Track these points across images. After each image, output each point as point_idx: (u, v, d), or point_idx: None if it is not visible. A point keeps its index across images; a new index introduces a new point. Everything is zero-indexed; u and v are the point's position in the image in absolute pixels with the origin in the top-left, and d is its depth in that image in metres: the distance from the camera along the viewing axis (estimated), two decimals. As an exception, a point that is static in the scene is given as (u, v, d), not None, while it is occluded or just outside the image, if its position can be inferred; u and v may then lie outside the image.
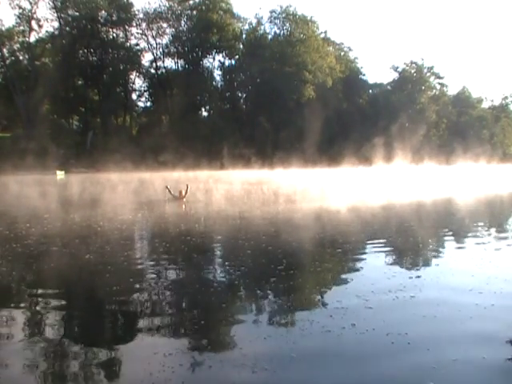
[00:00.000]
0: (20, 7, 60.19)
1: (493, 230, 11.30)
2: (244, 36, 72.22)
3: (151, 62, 71.15)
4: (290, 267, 6.97)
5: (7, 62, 62.08)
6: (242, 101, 74.96)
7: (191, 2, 68.87)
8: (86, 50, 66.58)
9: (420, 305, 5.11)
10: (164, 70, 71.32)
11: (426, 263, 7.51)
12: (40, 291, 5.99)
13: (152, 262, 7.70)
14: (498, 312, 4.86)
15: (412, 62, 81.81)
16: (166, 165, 46.55)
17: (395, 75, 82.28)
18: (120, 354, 4.04)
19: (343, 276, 6.69)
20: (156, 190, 22.90)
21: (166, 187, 18.60)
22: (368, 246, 8.96)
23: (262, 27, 73.13)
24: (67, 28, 63.98)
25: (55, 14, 62.73)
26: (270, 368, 3.66)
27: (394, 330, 4.33)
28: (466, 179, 36.47)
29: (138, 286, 6.12)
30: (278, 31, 73.02)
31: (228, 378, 3.56)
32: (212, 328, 4.65)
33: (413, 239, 9.70)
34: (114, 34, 68.11)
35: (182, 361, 3.79)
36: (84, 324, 4.91)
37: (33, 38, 63.99)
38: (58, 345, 4.18)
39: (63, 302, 5.57)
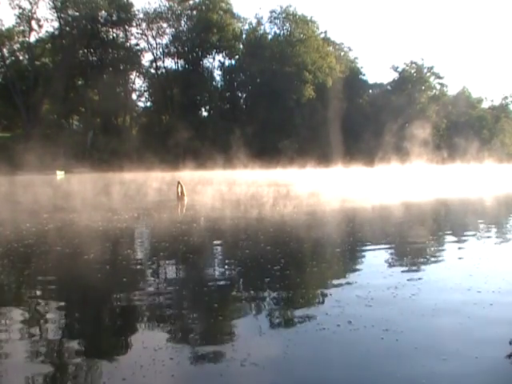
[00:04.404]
0: (20, 7, 60.08)
1: (491, 229, 11.32)
2: (244, 36, 72.16)
3: (151, 61, 71.16)
4: (288, 267, 6.98)
5: (7, 61, 61.98)
6: (242, 101, 74.92)
7: (191, 2, 68.82)
8: (86, 50, 66.49)
9: (418, 304, 5.11)
10: (164, 70, 71.25)
11: (425, 262, 7.50)
12: (40, 290, 6.01)
13: (150, 262, 7.73)
14: (497, 312, 4.86)
15: (412, 62, 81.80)
16: (166, 165, 46.55)
17: (395, 75, 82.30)
18: (112, 348, 4.16)
19: (341, 275, 6.70)
20: (155, 190, 22.91)
21: (178, 183, 18.57)
22: (367, 246, 8.97)
23: (262, 27, 73.20)
24: (67, 28, 63.85)
25: (55, 14, 62.64)
26: (260, 363, 3.68)
27: (390, 328, 4.34)
28: (466, 179, 36.46)
29: (134, 284, 6.15)
30: (278, 31, 73.12)
31: (216, 371, 3.61)
32: (205, 326, 4.68)
33: (411, 238, 9.72)
34: (114, 34, 68.07)
35: (172, 355, 3.86)
36: (81, 320, 4.96)
37: (33, 38, 63.98)
38: (55, 342, 4.23)
39: (62, 301, 5.60)
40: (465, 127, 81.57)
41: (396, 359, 3.79)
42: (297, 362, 3.74)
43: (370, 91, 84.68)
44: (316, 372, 3.58)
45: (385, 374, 3.55)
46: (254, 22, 72.84)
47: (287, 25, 72.29)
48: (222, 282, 6.35)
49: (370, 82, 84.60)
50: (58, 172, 45.89)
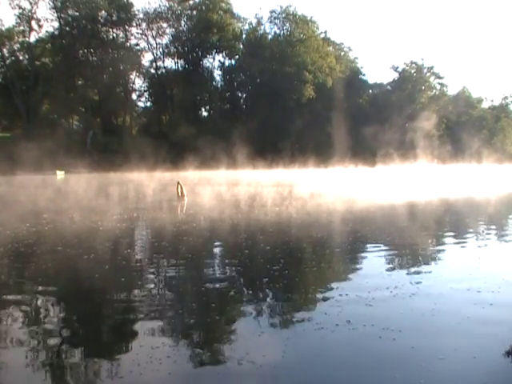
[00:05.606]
0: (20, 7, 60.04)
1: (492, 229, 11.31)
2: (244, 36, 72.16)
3: (151, 61, 71.18)
4: (287, 267, 6.98)
5: (7, 61, 61.98)
6: (242, 101, 74.93)
7: (191, 2, 68.84)
8: (86, 50, 66.48)
9: (417, 303, 5.12)
10: (164, 70, 71.24)
11: (424, 262, 7.51)
12: (40, 290, 6.01)
13: (149, 262, 7.74)
14: (497, 312, 4.86)
15: (412, 62, 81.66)
16: (167, 165, 46.55)
17: (395, 75, 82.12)
18: (110, 346, 4.20)
19: (341, 275, 6.70)
20: (155, 190, 22.91)
21: (178, 183, 18.51)
22: (366, 246, 8.98)
23: (262, 27, 73.16)
24: (67, 28, 63.87)
25: (55, 14, 62.63)
26: (257, 362, 3.69)
27: (389, 328, 4.34)
28: (466, 179, 36.44)
29: (133, 284, 6.17)
30: (278, 31, 73.08)
31: (214, 370, 3.62)
32: (203, 325, 4.68)
33: (412, 238, 9.71)
34: (114, 34, 68.10)
35: (170, 353, 3.88)
36: (79, 319, 4.97)
37: (33, 38, 63.96)
38: (53, 340, 4.25)
39: (61, 300, 5.62)
40: (465, 127, 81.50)
41: (394, 359, 3.79)
42: (295, 361, 3.75)
43: (370, 91, 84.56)
44: (314, 371, 3.58)
45: (382, 374, 3.55)
46: (254, 22, 72.96)
47: (287, 25, 72.29)
48: (220, 282, 6.34)
49: (370, 81, 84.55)
50: (58, 172, 45.86)
